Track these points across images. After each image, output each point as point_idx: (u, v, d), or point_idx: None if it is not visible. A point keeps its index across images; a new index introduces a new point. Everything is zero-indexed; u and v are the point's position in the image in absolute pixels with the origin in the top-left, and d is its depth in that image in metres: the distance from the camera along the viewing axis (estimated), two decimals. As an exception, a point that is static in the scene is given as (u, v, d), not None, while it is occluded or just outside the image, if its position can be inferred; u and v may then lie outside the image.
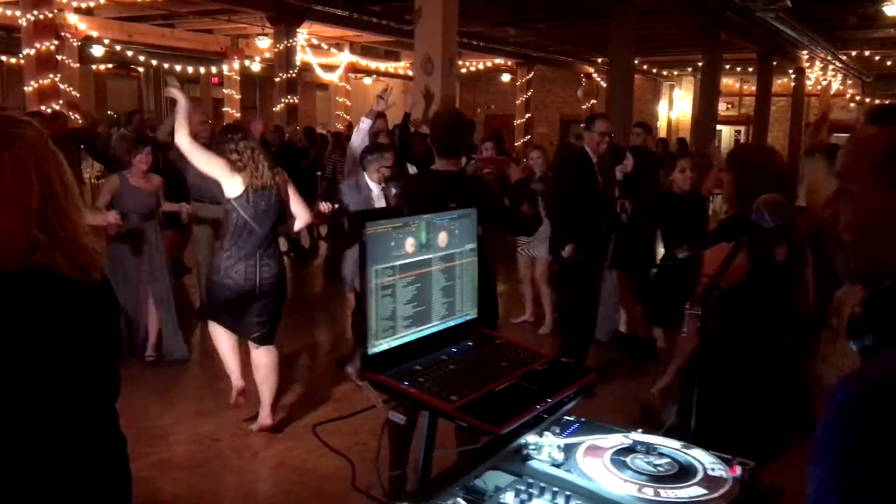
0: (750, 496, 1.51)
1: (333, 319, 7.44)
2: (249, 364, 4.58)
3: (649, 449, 1.61)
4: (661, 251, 5.95)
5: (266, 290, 4.28)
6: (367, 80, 21.06)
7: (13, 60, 13.88)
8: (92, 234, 4.75)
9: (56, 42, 9.38)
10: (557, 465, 1.55)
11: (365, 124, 5.47)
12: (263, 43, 14.83)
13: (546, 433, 1.62)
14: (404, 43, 15.00)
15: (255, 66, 16.90)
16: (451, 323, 1.88)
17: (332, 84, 19.70)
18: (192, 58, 16.25)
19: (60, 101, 9.19)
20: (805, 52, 17.21)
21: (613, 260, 5.85)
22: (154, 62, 15.93)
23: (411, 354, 1.72)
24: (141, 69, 17.79)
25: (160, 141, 6.49)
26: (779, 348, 2.55)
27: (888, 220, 1.06)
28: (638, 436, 1.65)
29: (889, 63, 18.44)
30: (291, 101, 13.21)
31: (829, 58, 17.92)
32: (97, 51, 14.06)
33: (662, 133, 22.15)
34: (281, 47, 12.92)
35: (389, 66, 20.25)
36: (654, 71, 22.14)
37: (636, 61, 12.83)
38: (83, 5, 12.00)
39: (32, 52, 8.91)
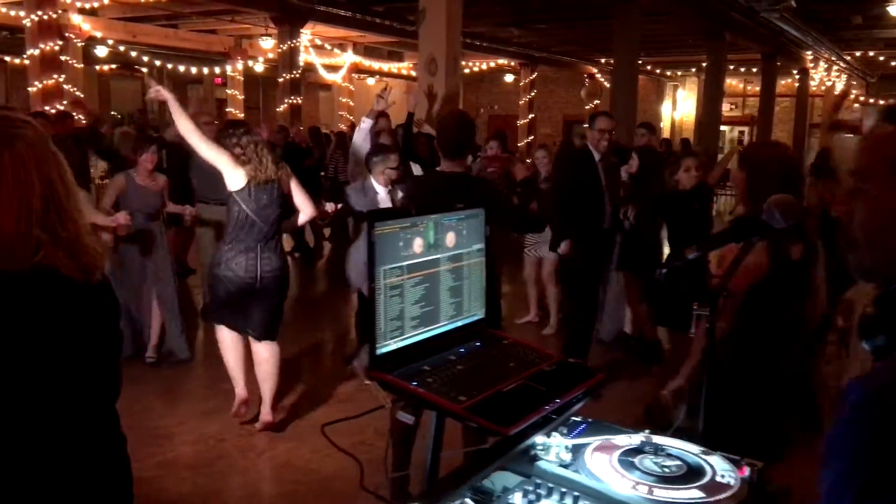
0: (758, 497, 1.51)
1: (338, 319, 7.45)
2: (253, 372, 4.58)
3: (657, 450, 1.60)
4: (666, 251, 5.94)
5: (267, 283, 4.28)
6: (371, 81, 21.07)
7: (17, 61, 13.90)
8: (99, 234, 4.70)
9: (60, 42, 9.38)
10: (565, 466, 1.55)
11: (366, 124, 5.48)
12: (267, 43, 14.85)
13: (554, 434, 1.62)
14: (407, 43, 15.01)
15: (259, 67, 16.91)
16: (459, 323, 1.88)
17: (336, 84, 19.71)
18: (196, 58, 16.26)
19: (65, 101, 9.20)
20: (809, 53, 17.19)
21: (620, 261, 5.84)
22: (158, 62, 15.95)
23: (419, 354, 1.72)
24: (145, 69, 17.80)
25: (168, 140, 6.49)
26: (794, 348, 2.54)
27: None
28: (646, 436, 1.65)
29: (894, 63, 18.41)
30: (295, 101, 13.21)
31: (833, 58, 17.90)
32: (101, 51, 14.07)
33: (666, 134, 22.13)
34: (284, 48, 12.92)
35: (392, 66, 20.25)
36: (658, 71, 22.13)
37: (640, 62, 12.81)
38: (87, 6, 12.01)
39: (37, 52, 8.92)
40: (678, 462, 1.57)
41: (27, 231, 1.44)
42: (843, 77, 20.91)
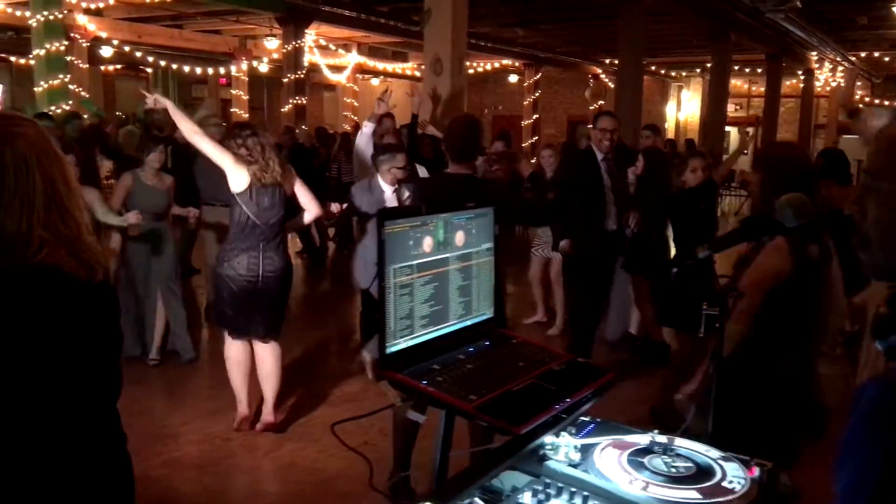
0: (768, 498, 1.51)
1: (342, 319, 7.44)
2: (258, 386, 4.58)
3: (667, 450, 1.60)
4: (672, 251, 5.92)
5: (269, 283, 4.27)
6: (375, 81, 21.08)
7: (23, 61, 13.93)
8: (109, 235, 4.70)
9: (66, 43, 9.42)
10: (574, 466, 1.54)
11: (368, 128, 5.49)
12: (271, 44, 14.86)
13: (563, 433, 1.62)
14: (412, 44, 15.01)
15: (263, 67, 16.93)
16: (468, 322, 1.88)
17: (340, 85, 19.72)
18: (201, 59, 16.28)
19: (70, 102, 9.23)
20: (814, 53, 17.17)
21: (627, 262, 5.83)
22: (163, 63, 15.98)
23: (429, 353, 1.72)
24: (149, 70, 17.84)
25: (178, 141, 6.49)
26: (812, 350, 2.52)
27: None
28: (655, 436, 1.65)
29: (899, 64, 18.39)
30: (299, 101, 13.23)
31: (838, 59, 17.86)
32: (106, 51, 14.09)
33: (671, 134, 22.10)
34: (289, 48, 12.94)
35: (397, 66, 20.26)
36: (663, 72, 22.11)
37: (644, 62, 12.81)
38: (93, 6, 12.05)
39: (42, 52, 8.95)
40: (688, 462, 1.56)
41: (29, 230, 1.44)
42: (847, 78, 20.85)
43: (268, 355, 4.47)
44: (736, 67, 17.40)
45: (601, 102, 20.00)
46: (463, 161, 3.61)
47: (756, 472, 1.54)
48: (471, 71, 17.66)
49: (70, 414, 1.50)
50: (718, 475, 1.52)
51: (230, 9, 12.43)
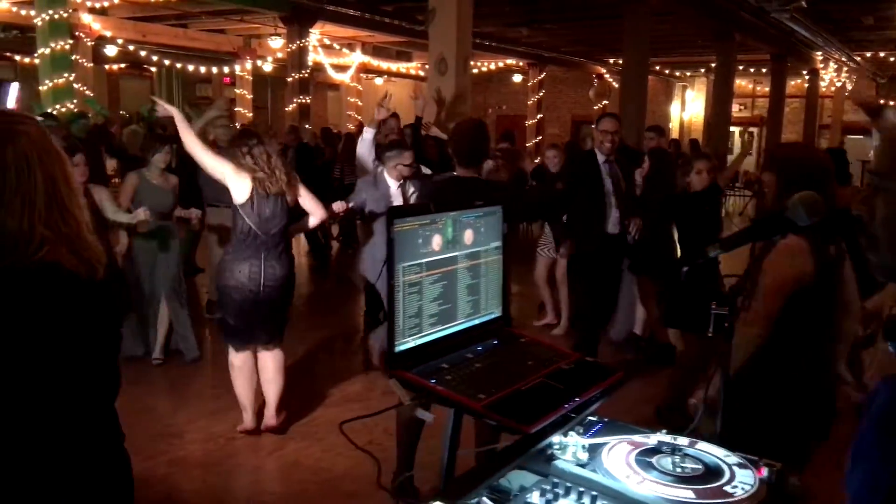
0: (776, 498, 1.50)
1: (346, 319, 7.44)
2: (261, 392, 4.59)
3: (675, 450, 1.60)
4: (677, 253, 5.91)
5: (271, 292, 4.25)
6: (379, 81, 21.09)
7: (28, 60, 13.96)
8: (117, 235, 4.70)
9: (71, 42, 9.42)
10: (582, 465, 1.54)
11: (368, 134, 5.50)
12: (276, 43, 14.87)
13: (570, 433, 1.61)
14: (416, 43, 15.01)
15: (268, 67, 16.93)
16: (477, 321, 1.88)
17: (344, 84, 19.73)
18: (205, 58, 16.29)
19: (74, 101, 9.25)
20: (819, 53, 17.13)
21: (633, 264, 5.81)
22: (167, 62, 16.00)
23: (437, 352, 1.72)
24: (154, 69, 17.86)
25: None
26: (831, 352, 2.50)
27: None
28: (663, 436, 1.64)
29: (905, 64, 18.33)
30: (304, 101, 13.23)
31: (843, 59, 17.82)
32: (111, 50, 14.11)
33: (675, 134, 22.07)
34: (293, 47, 12.94)
35: (401, 66, 20.26)
36: (667, 72, 22.08)
37: (648, 62, 12.78)
38: (97, 5, 12.06)
39: (47, 51, 8.96)
40: (696, 462, 1.56)
41: (31, 228, 1.45)
42: (853, 78, 20.81)
43: (270, 360, 4.47)
44: (740, 67, 17.36)
45: (605, 102, 19.97)
46: (470, 166, 3.62)
47: (765, 472, 1.53)
48: (475, 70, 17.62)
49: (69, 410, 1.50)
50: (727, 475, 1.51)
51: (235, 8, 12.44)
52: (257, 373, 4.52)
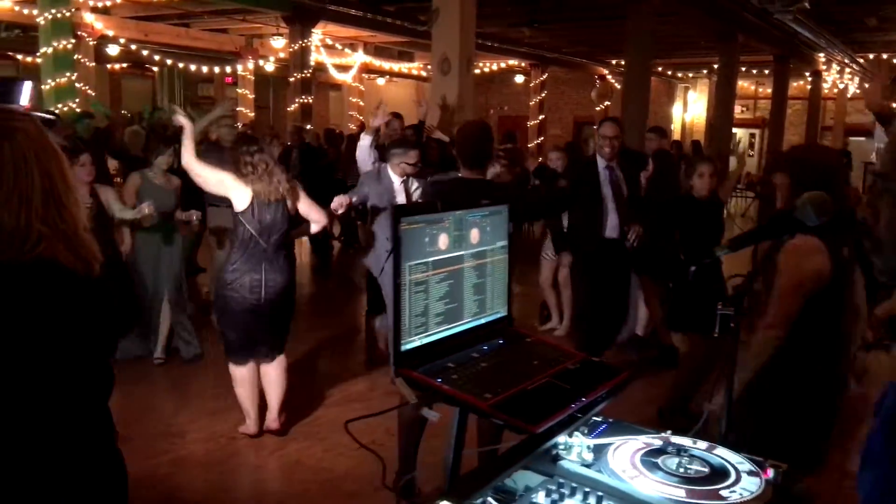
0: (782, 500, 1.49)
1: (347, 319, 7.44)
2: (264, 399, 4.58)
3: (680, 450, 1.59)
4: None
5: (273, 301, 4.23)
6: (381, 81, 21.08)
7: (30, 59, 13.96)
8: (121, 234, 4.71)
9: (73, 41, 9.42)
10: (588, 466, 1.53)
11: (365, 141, 5.53)
12: (278, 43, 14.86)
13: (575, 433, 1.61)
14: (418, 44, 15.00)
15: (270, 66, 16.94)
16: (483, 320, 1.87)
17: (346, 84, 19.73)
18: (207, 57, 16.30)
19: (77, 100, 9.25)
20: (822, 55, 17.10)
21: (638, 266, 5.80)
22: (169, 61, 16.00)
23: (443, 352, 1.71)
24: (156, 68, 17.87)
25: None
26: (844, 354, 2.49)
27: None
28: (669, 437, 1.63)
29: (908, 66, 18.30)
30: (306, 101, 13.23)
31: (846, 60, 17.80)
32: (113, 50, 14.11)
33: (676, 136, 22.05)
34: (295, 47, 12.94)
35: (403, 66, 20.26)
36: (669, 73, 22.06)
37: (651, 63, 12.77)
38: (100, 4, 12.06)
39: (50, 50, 8.96)
40: (702, 463, 1.55)
41: (27, 224, 1.45)
42: (856, 79, 20.78)
43: (272, 368, 4.47)
44: (743, 69, 17.33)
45: (607, 103, 19.97)
46: (475, 168, 3.63)
47: (771, 473, 1.53)
48: (476, 71, 17.63)
49: (62, 407, 1.50)
50: (733, 476, 1.50)
51: (237, 8, 12.44)
52: (259, 380, 4.51)
